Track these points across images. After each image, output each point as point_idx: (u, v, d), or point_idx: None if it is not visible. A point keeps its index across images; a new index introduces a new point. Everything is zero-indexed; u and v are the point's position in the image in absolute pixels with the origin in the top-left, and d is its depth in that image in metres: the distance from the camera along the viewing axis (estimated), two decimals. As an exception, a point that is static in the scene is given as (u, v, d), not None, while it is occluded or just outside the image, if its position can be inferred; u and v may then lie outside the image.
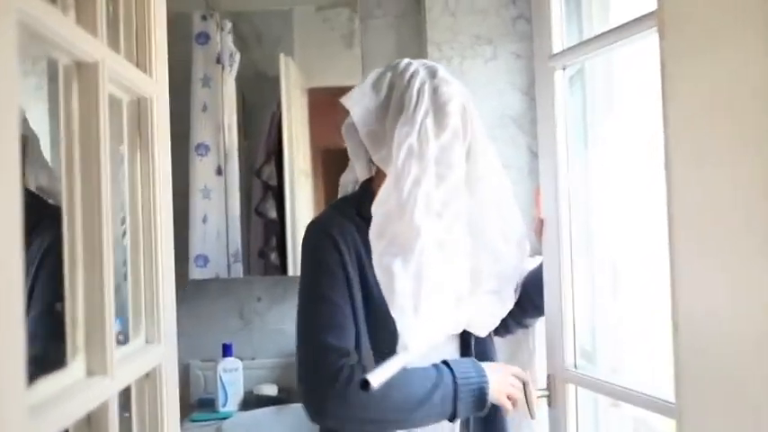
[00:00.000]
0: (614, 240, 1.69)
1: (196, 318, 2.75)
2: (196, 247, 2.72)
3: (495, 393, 1.54)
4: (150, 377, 1.10)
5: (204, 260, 2.73)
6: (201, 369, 2.77)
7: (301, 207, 2.76)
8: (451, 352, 1.64)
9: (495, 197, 1.61)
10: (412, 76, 1.55)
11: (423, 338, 1.41)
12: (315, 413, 1.49)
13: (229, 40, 2.79)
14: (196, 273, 2.71)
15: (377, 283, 1.45)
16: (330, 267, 1.52)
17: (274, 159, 2.82)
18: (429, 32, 2.32)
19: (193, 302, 2.75)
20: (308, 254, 1.58)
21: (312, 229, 1.60)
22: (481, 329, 1.63)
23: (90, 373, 0.88)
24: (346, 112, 1.60)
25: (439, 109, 1.51)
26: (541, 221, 1.65)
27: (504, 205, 1.62)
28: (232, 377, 2.59)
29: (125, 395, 1.03)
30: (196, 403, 2.70)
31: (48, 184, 1.84)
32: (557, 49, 1.57)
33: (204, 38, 2.76)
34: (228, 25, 2.80)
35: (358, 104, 1.58)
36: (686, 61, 1.00)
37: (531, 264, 1.73)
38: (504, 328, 1.76)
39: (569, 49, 1.55)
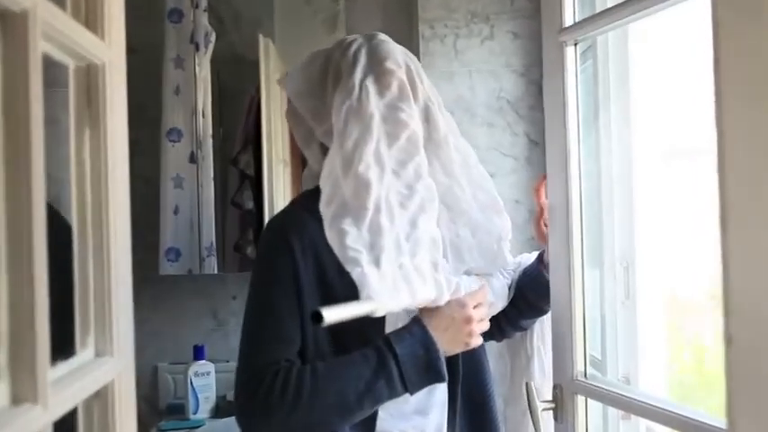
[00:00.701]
0: (627, 236, 1.53)
1: (166, 317, 2.63)
2: (167, 239, 2.58)
3: (454, 350, 1.41)
4: (100, 397, 0.94)
5: (176, 254, 2.59)
6: (171, 373, 2.64)
7: (280, 197, 2.63)
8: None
9: (462, 163, 1.51)
10: (349, 45, 1.48)
11: (388, 290, 1.27)
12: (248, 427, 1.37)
13: (204, 18, 2.64)
14: (167, 268, 2.57)
15: (344, 287, 1.30)
16: (280, 276, 1.40)
17: (252, 147, 2.68)
18: (420, 9, 2.19)
19: (163, 300, 2.61)
20: (261, 258, 1.47)
21: (268, 230, 1.49)
22: None
23: (16, 401, 0.71)
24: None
25: (378, 66, 1.43)
26: (542, 212, 1.49)
27: (474, 171, 1.53)
28: (204, 382, 2.47)
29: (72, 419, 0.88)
30: (165, 409, 2.57)
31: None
32: (568, 21, 1.40)
33: (177, 15, 2.60)
34: (204, 3, 2.65)
35: (294, 82, 1.50)
36: (745, 24, 0.83)
37: (527, 260, 1.63)
38: (498, 330, 1.63)
39: (582, 21, 1.39)
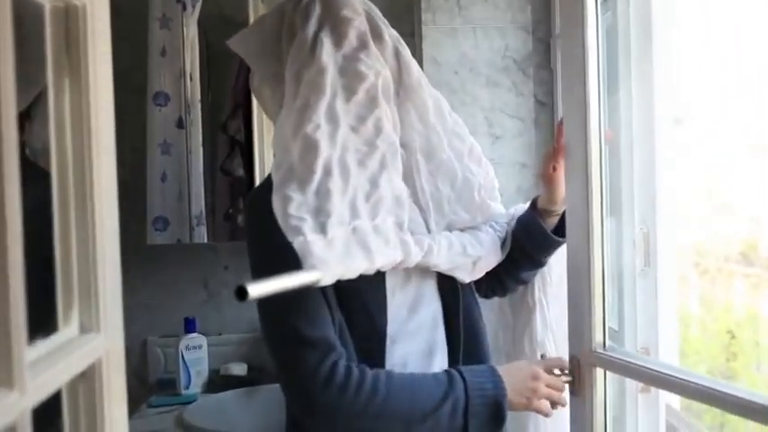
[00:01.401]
0: (648, 200, 1.44)
1: (155, 289, 2.53)
2: (155, 208, 2.48)
3: (516, 402, 1.36)
4: (87, 377, 0.86)
5: (164, 223, 2.49)
6: (161, 346, 2.55)
7: (270, 164, 2.50)
8: (433, 313, 1.44)
9: (436, 109, 1.43)
10: (301, 1, 1.37)
11: (338, 257, 1.18)
12: (305, 416, 1.33)
13: (191, -25, 2.50)
14: (155, 237, 2.47)
15: None
16: (286, 243, 1.24)
17: (242, 113, 2.58)
18: (422, -39, 2.06)
19: (152, 271, 2.52)
20: (256, 229, 1.37)
21: (256, 197, 1.38)
22: (463, 273, 1.43)
23: (-12, 387, 0.61)
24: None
25: (334, 16, 1.33)
26: (555, 152, 1.42)
27: (449, 118, 1.45)
28: (195, 355, 2.37)
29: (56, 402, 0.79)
30: (155, 384, 2.48)
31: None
32: None
33: (162, -29, 2.46)
34: (190, -42, 2.51)
35: (247, 43, 1.40)
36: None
37: (521, 210, 1.56)
38: (499, 285, 1.59)
39: None
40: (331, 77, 1.29)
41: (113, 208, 0.93)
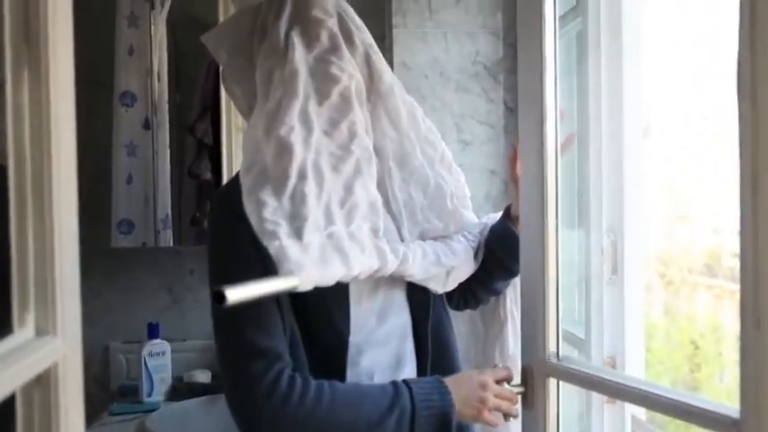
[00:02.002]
0: (616, 208, 1.43)
1: (118, 292, 2.48)
2: (119, 210, 2.45)
3: (465, 413, 1.32)
4: (42, 382, 0.82)
5: (129, 226, 2.45)
6: (123, 352, 2.50)
7: (239, 167, 2.48)
8: (402, 323, 1.41)
9: (409, 115, 1.40)
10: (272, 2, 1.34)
11: (314, 262, 1.15)
12: (249, 426, 1.27)
13: (160, -26, 2.47)
14: (119, 240, 2.42)
15: None
16: (242, 250, 1.26)
17: (210, 115, 2.55)
18: (391, -39, 2.05)
19: (115, 275, 2.47)
20: (214, 234, 1.34)
21: (217, 200, 1.39)
22: (436, 284, 1.40)
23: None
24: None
25: (304, 16, 1.31)
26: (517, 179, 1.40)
27: (422, 125, 1.42)
28: (159, 362, 2.33)
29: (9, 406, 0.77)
30: (117, 391, 2.43)
31: None
32: None
33: (130, -30, 2.42)
34: (159, -44, 2.48)
35: (219, 39, 1.36)
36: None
37: (493, 220, 1.54)
38: (472, 296, 1.56)
39: None
40: (303, 80, 1.26)
41: (72, 206, 0.90)
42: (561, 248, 1.28)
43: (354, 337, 1.33)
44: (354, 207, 1.24)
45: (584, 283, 1.51)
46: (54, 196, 0.83)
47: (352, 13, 1.38)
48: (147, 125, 2.47)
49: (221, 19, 2.43)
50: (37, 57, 0.81)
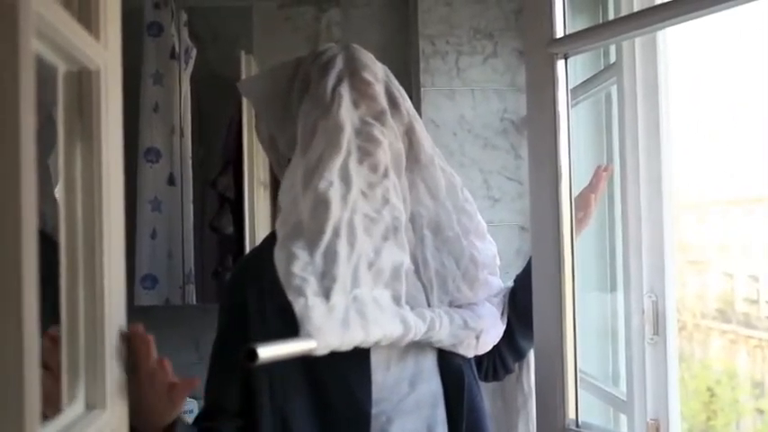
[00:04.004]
0: (657, 267, 1.41)
1: None
2: (143, 266, 2.44)
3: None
4: (92, 457, 0.80)
5: (152, 281, 2.44)
6: None
7: (261, 221, 2.49)
8: (433, 391, 1.36)
9: (448, 185, 1.38)
10: (323, 51, 1.34)
11: (336, 326, 1.13)
12: None
13: (185, 33, 2.51)
14: (143, 297, 2.42)
15: None
16: (228, 330, 1.36)
17: (232, 169, 2.56)
18: (421, 24, 2.10)
19: (140, 331, 2.42)
20: (220, 305, 1.41)
21: (230, 275, 1.44)
22: (467, 348, 1.37)
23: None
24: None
25: (355, 74, 1.30)
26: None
27: (459, 194, 1.40)
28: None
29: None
30: (142, 451, 2.37)
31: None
32: (559, 33, 1.29)
33: (157, 29, 2.47)
34: (184, 17, 2.52)
35: (257, 86, 1.39)
36: None
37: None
38: (501, 362, 1.51)
39: (577, 33, 1.28)
40: (347, 135, 1.25)
41: (121, 272, 0.90)
42: (598, 309, 1.26)
43: (383, 406, 1.29)
44: (380, 272, 1.22)
45: (624, 344, 1.49)
46: (105, 268, 0.82)
47: (397, 82, 1.38)
48: (171, 181, 2.48)
49: (243, 75, 2.45)
50: (89, 129, 0.82)
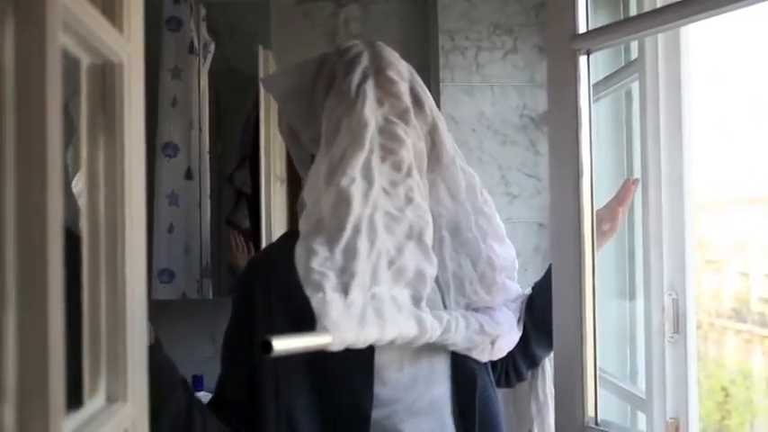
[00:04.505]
0: (678, 265, 1.40)
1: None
2: (161, 260, 2.45)
3: None
4: (113, 449, 0.80)
5: (169, 275, 2.46)
6: None
7: (277, 216, 2.49)
8: (444, 393, 1.37)
9: (468, 186, 1.38)
10: (348, 48, 1.33)
11: (353, 322, 1.13)
12: None
13: (204, 27, 2.51)
14: (160, 291, 2.43)
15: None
16: (236, 322, 1.40)
17: (249, 164, 2.57)
18: (440, 19, 2.09)
19: (157, 326, 2.43)
20: (232, 302, 1.44)
21: (240, 274, 1.47)
22: (481, 353, 1.36)
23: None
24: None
25: (380, 72, 1.29)
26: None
27: (479, 196, 1.39)
28: (202, 414, 2.27)
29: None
30: (159, 445, 2.38)
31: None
32: (582, 28, 1.28)
33: (176, 23, 2.47)
34: (203, 12, 2.53)
35: (281, 82, 1.38)
36: None
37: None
38: (513, 368, 1.51)
39: (600, 29, 1.27)
40: (371, 132, 1.24)
41: (142, 273, 0.90)
42: (618, 308, 1.26)
43: (397, 406, 1.30)
44: (401, 270, 1.21)
45: (645, 343, 1.48)
46: (127, 264, 0.82)
47: (420, 81, 1.38)
48: (189, 175, 2.48)
49: (261, 71, 2.45)
50: (112, 123, 0.82)
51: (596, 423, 1.24)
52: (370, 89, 1.26)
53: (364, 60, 1.30)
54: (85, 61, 0.78)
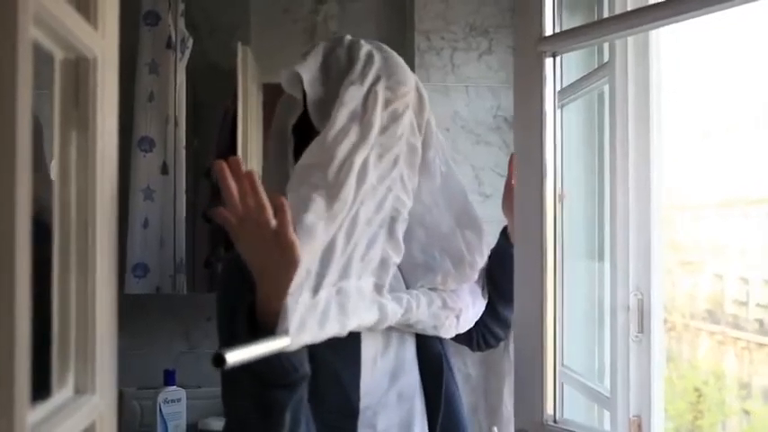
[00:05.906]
0: (643, 265, 1.43)
1: (133, 338, 2.43)
2: (135, 254, 2.44)
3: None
4: (82, 440, 0.81)
5: (143, 269, 2.45)
6: (138, 399, 2.45)
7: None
8: (413, 382, 1.40)
9: (443, 183, 1.43)
10: (360, 45, 1.37)
11: (315, 320, 1.14)
12: None
13: (182, 22, 2.51)
14: (133, 285, 2.42)
15: None
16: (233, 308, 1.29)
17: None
18: (416, 20, 2.10)
19: (130, 320, 2.43)
20: (218, 289, 1.41)
21: (227, 260, 1.42)
22: (448, 330, 1.41)
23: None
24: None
25: (390, 76, 1.34)
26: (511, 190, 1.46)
27: (458, 195, 1.46)
28: (174, 409, 2.30)
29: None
30: (131, 440, 2.39)
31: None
32: (548, 30, 1.31)
33: (153, 18, 2.47)
34: (181, 6, 2.52)
35: (311, 70, 1.37)
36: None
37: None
38: (489, 332, 1.56)
39: (566, 32, 1.30)
40: (375, 133, 1.28)
41: (113, 261, 0.91)
42: (585, 307, 1.28)
43: (369, 400, 1.32)
44: (369, 261, 1.25)
45: (610, 341, 1.51)
46: (98, 257, 0.83)
47: (422, 87, 1.42)
48: (164, 170, 2.48)
49: (239, 66, 2.45)
50: (85, 118, 0.83)
51: (555, 421, 1.26)
52: (381, 90, 1.31)
53: (377, 62, 1.34)
54: (59, 56, 0.79)
